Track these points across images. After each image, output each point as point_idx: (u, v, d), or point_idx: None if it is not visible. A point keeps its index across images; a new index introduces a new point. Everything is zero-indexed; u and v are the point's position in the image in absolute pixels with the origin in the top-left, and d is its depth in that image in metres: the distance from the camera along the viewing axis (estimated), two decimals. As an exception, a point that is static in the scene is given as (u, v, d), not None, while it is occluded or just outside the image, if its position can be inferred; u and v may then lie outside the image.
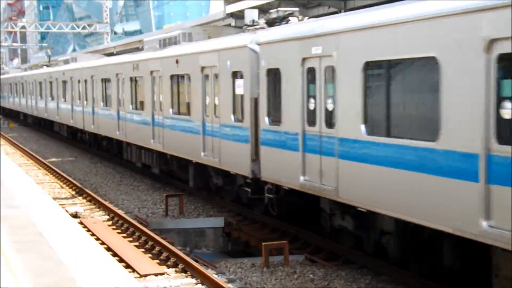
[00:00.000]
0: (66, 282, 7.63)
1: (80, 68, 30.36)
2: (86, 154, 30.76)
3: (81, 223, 15.53)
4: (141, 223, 15.51)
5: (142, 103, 21.38)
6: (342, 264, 12.10)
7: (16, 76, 52.60)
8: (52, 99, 37.05)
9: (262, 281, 11.24)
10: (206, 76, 16.37)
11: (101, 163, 27.38)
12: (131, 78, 22.43)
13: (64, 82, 33.71)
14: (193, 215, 16.78)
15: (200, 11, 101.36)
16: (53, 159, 28.90)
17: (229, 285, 10.71)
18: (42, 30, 64.40)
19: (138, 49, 32.76)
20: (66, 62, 36.88)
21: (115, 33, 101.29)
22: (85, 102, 29.22)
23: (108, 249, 13.07)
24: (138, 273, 11.64)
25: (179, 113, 18.39)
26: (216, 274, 11.54)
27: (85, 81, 29.06)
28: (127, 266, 12.02)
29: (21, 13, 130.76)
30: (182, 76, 17.99)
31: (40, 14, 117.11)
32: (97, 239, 13.92)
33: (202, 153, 16.58)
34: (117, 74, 24.11)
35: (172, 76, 18.71)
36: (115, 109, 24.43)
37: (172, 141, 18.71)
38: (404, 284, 10.77)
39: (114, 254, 12.71)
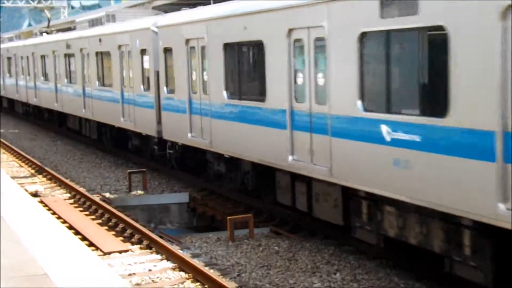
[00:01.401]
0: (27, 262, 7.48)
1: (23, 45, 33.35)
2: (46, 132, 30.25)
3: (41, 202, 15.28)
4: (104, 201, 15.34)
5: (75, 76, 24.59)
6: (306, 236, 12.18)
7: None
8: None
9: (228, 255, 11.23)
10: (123, 53, 19.32)
11: (62, 141, 26.97)
12: (65, 55, 25.52)
13: (9, 58, 36.88)
14: (157, 191, 16.66)
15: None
16: (11, 137, 28.33)
17: (195, 260, 10.68)
18: (-4, 4, 62.71)
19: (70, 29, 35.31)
20: (10, 39, 39.84)
21: (73, 7, 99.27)
22: (27, 77, 32.26)
23: (70, 227, 12.91)
24: (102, 251, 11.52)
25: (104, 85, 21.40)
26: (181, 249, 11.49)
27: (27, 57, 32.04)
28: (90, 244, 11.89)
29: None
30: (105, 53, 20.86)
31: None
32: (59, 217, 13.73)
33: (122, 119, 19.59)
34: (53, 51, 27.06)
35: (97, 53, 21.62)
36: (53, 82, 27.44)
37: (99, 110, 21.90)
38: (366, 253, 10.90)
39: (77, 233, 12.56)
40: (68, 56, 24.97)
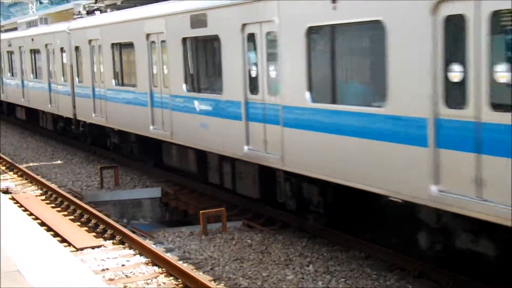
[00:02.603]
0: (-1, 259, 7.44)
1: None
2: (15, 128, 29.91)
3: (12, 198, 15.13)
4: (75, 197, 15.23)
5: (16, 70, 28.25)
6: (279, 228, 12.25)
7: None
8: None
9: (201, 249, 11.26)
10: (49, 51, 23.09)
11: (32, 137, 26.70)
12: (7, 52, 29.31)
13: None
14: (129, 187, 16.60)
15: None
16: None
17: (168, 254, 10.69)
18: (-38, -1, 61.69)
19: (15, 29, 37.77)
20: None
21: (41, 2, 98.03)
22: None
23: (42, 224, 12.81)
24: (74, 247, 11.47)
25: (37, 77, 25.32)
26: (154, 244, 11.49)
27: None
28: (63, 240, 11.83)
29: None
30: (36, 50, 24.77)
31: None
32: (30, 214, 13.61)
33: (49, 105, 23.66)
34: None
35: (31, 50, 25.50)
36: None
37: (33, 98, 25.93)
38: (339, 244, 11.01)
39: (49, 229, 12.48)
40: (10, 53, 29.20)
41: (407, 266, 9.69)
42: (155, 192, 15.70)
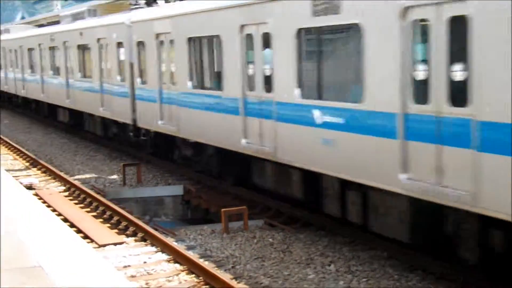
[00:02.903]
0: (23, 254, 7.51)
1: (11, 39, 34.41)
2: (39, 125, 30.20)
3: (36, 194, 15.28)
4: (98, 193, 15.34)
5: (58, 69, 25.69)
6: (300, 227, 12.22)
7: None
8: None
9: (222, 247, 11.27)
10: (101, 47, 20.34)
11: (56, 134, 26.93)
12: (49, 48, 26.53)
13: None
14: (151, 184, 16.68)
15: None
16: (5, 130, 28.26)
17: (189, 252, 10.72)
18: (-12, -3, 62.33)
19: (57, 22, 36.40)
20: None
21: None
22: (16, 69, 33.33)
23: (65, 220, 12.91)
24: (97, 243, 11.54)
25: (85, 77, 22.57)
26: (176, 241, 11.52)
27: (15, 50, 33.06)
28: (86, 236, 11.91)
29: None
30: (85, 46, 22.06)
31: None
32: (54, 210, 13.73)
33: (100, 108, 20.87)
34: (39, 45, 27.99)
35: (78, 46, 22.75)
36: (39, 75, 28.46)
37: (79, 99, 23.31)
38: (361, 244, 10.96)
39: (72, 225, 12.57)
40: (53, 48, 26.06)
41: (429, 267, 9.61)
42: (177, 189, 15.76)
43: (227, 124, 13.23)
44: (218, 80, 13.78)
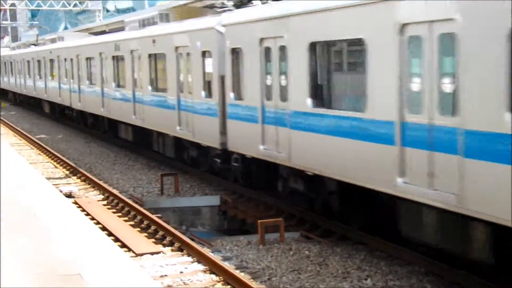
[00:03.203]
0: (62, 262, 7.61)
1: (66, 47, 31.77)
2: (80, 134, 30.65)
3: (75, 203, 15.49)
4: (136, 202, 15.48)
5: (123, 80, 23.05)
6: (337, 241, 12.13)
7: (5, 55, 53.04)
8: (40, 77, 38.24)
9: (258, 258, 11.25)
10: (180, 56, 17.59)
11: (95, 143, 27.31)
12: (113, 57, 23.78)
13: (51, 60, 34.75)
14: (188, 194, 16.77)
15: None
16: (46, 139, 28.78)
17: (225, 263, 10.73)
18: (33, 7, 63.70)
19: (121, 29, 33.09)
20: (53, 41, 37.90)
21: (108, 10, 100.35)
22: (71, 80, 30.38)
23: (104, 228, 13.04)
24: (134, 252, 11.63)
25: (157, 90, 19.66)
26: (212, 252, 11.55)
27: (71, 59, 30.28)
28: (123, 245, 12.01)
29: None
30: (159, 55, 19.24)
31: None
32: (92, 218, 13.89)
33: (177, 127, 17.95)
34: (100, 53, 25.34)
35: (150, 55, 19.94)
36: (99, 86, 25.87)
37: (149, 116, 20.32)
38: (398, 259, 10.82)
39: (110, 234, 12.69)
40: (117, 58, 23.41)
41: (468, 283, 9.43)
42: (214, 200, 15.81)
43: (371, 156, 10.16)
44: (358, 97, 10.66)
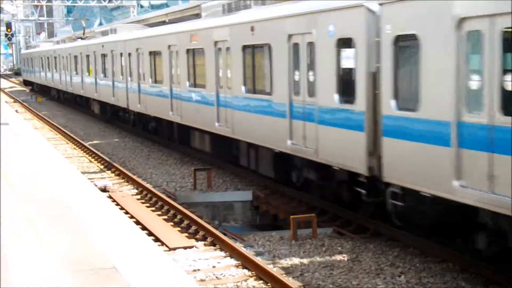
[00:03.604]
0: (96, 255, 7.71)
1: (123, 40, 27.03)
2: (114, 129, 30.98)
3: (110, 197, 15.66)
4: (169, 197, 15.60)
5: (204, 79, 18.17)
6: (370, 237, 12.07)
7: (48, 50, 49.32)
8: (49, 70, 35.64)
9: (291, 254, 11.26)
10: (296, 48, 13.25)
11: (129, 138, 27.57)
12: (187, 51, 19.30)
13: (104, 55, 30.52)
14: (221, 189, 16.83)
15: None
16: (81, 134, 29.15)
17: (258, 258, 10.75)
18: (68, 3, 64.60)
19: (195, 16, 29.06)
20: (104, 33, 33.78)
21: (142, 6, 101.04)
22: (129, 79, 26.12)
23: (137, 222, 13.18)
24: (167, 246, 11.73)
25: (254, 92, 15.24)
26: (245, 247, 11.58)
27: (129, 54, 25.83)
28: (156, 239, 12.12)
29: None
30: (256, 46, 14.98)
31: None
32: (126, 212, 14.05)
33: (288, 141, 13.65)
34: (169, 46, 20.96)
35: (244, 47, 15.53)
36: (167, 86, 21.28)
37: (242, 123, 15.94)
38: (432, 255, 10.71)
39: (143, 228, 12.82)
40: (193, 52, 18.89)
41: (506, 282, 9.30)
42: (246, 195, 15.85)
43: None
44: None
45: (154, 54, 22.64)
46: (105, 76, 30.44)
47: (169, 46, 20.79)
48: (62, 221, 9.40)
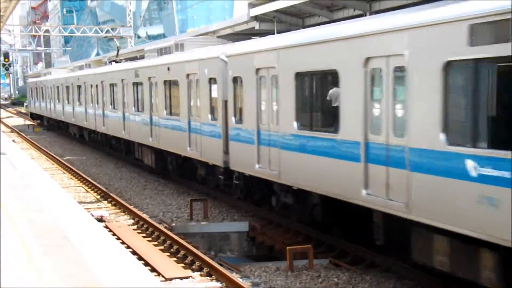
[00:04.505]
0: (92, 284, 7.72)
1: (92, 74, 32.67)
2: (111, 159, 31.02)
3: (106, 227, 15.67)
4: (166, 227, 15.60)
5: (143, 104, 23.89)
6: (366, 268, 12.08)
7: (37, 81, 53.59)
8: (68, 102, 38.95)
9: (287, 285, 11.26)
10: (191, 82, 18.95)
11: (126, 168, 27.60)
12: (133, 83, 24.83)
13: (79, 86, 35.82)
14: (217, 219, 16.85)
15: (224, 14, 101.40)
16: (78, 163, 29.17)
17: (254, 289, 10.75)
18: (66, 34, 64.99)
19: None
20: (80, 68, 39.34)
21: (139, 37, 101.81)
22: (96, 105, 31.46)
23: (134, 252, 13.18)
24: (163, 276, 11.72)
25: (170, 114, 20.95)
26: (241, 277, 11.58)
27: (96, 86, 31.36)
28: (153, 269, 12.11)
29: (45, 17, 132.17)
30: (174, 82, 20.30)
31: (64, 17, 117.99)
32: (123, 242, 14.04)
33: (188, 148, 19.19)
34: (122, 80, 26.46)
35: (165, 82, 21.10)
36: (121, 111, 26.93)
37: (165, 138, 21.56)
38: (428, 287, 10.75)
39: (140, 258, 12.81)
40: (137, 84, 24.33)
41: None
42: (242, 226, 15.86)
43: None
44: None
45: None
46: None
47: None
48: (59, 251, 9.41)
